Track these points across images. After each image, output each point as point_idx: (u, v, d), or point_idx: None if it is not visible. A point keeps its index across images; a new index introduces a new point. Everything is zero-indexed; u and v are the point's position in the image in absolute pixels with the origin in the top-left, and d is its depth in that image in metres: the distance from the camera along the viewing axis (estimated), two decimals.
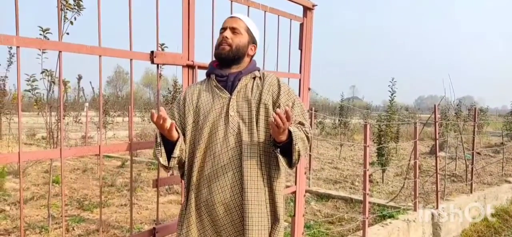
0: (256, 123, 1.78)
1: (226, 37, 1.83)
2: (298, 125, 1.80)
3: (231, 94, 1.82)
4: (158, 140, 1.73)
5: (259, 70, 1.94)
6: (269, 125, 1.74)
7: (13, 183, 6.24)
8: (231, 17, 1.93)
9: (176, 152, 1.72)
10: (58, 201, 5.23)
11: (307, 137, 1.79)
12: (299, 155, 1.71)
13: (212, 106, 1.81)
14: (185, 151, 1.83)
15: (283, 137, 1.65)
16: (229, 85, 1.84)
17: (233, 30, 1.86)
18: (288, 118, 1.56)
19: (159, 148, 1.73)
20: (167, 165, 1.76)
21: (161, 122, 1.61)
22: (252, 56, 1.94)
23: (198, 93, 1.87)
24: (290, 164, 1.74)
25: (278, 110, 1.57)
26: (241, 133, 1.75)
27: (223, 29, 1.88)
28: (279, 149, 1.71)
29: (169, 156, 1.75)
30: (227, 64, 1.87)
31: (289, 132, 1.65)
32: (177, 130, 1.74)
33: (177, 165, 1.88)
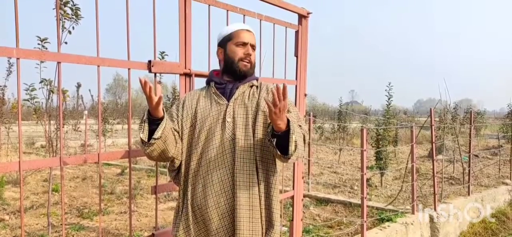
0: (254, 130, 1.81)
1: (250, 54, 1.88)
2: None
3: (228, 101, 1.85)
4: (144, 118, 1.69)
5: (257, 79, 1.98)
6: (266, 130, 1.77)
7: (12, 192, 6.25)
8: (249, 31, 1.93)
9: (158, 134, 1.66)
10: (57, 209, 5.25)
11: (304, 138, 1.81)
12: (296, 146, 1.64)
13: (209, 112, 1.85)
14: (182, 153, 1.86)
15: (282, 125, 1.61)
16: (227, 92, 1.88)
17: (253, 47, 1.91)
18: (284, 95, 1.55)
19: (142, 125, 1.69)
20: (146, 141, 1.69)
21: (149, 91, 1.58)
22: None
23: (198, 99, 1.91)
24: (286, 154, 1.65)
25: (274, 88, 1.56)
26: (236, 139, 1.79)
27: (243, 43, 1.88)
28: (275, 139, 1.65)
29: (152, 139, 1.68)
30: (235, 76, 1.89)
31: (288, 121, 1.63)
32: (163, 111, 1.70)
33: (173, 170, 1.91)
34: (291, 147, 1.64)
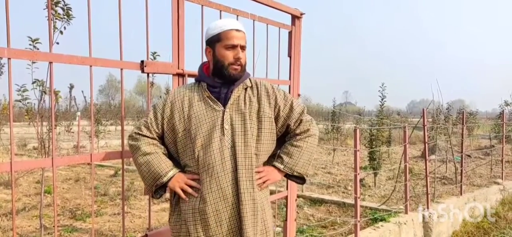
0: (259, 136, 1.83)
1: (241, 58, 1.80)
2: (295, 136, 1.93)
3: (224, 106, 1.82)
4: (153, 188, 1.87)
5: (249, 77, 1.93)
6: (272, 136, 1.90)
7: (4, 194, 6.19)
8: (238, 30, 1.82)
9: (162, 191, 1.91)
10: (50, 211, 5.21)
11: (309, 134, 1.93)
12: (301, 174, 1.94)
13: (205, 118, 1.81)
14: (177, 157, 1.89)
15: (278, 176, 1.94)
16: (222, 97, 1.84)
17: (243, 48, 1.82)
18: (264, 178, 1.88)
19: (152, 188, 1.87)
20: (151, 195, 1.93)
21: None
22: None
23: (189, 101, 1.85)
24: (303, 180, 2.00)
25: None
26: (236, 146, 1.77)
27: (233, 46, 1.79)
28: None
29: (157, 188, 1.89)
30: (226, 80, 1.85)
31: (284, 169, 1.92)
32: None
33: None
34: (300, 176, 1.96)
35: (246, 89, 1.88)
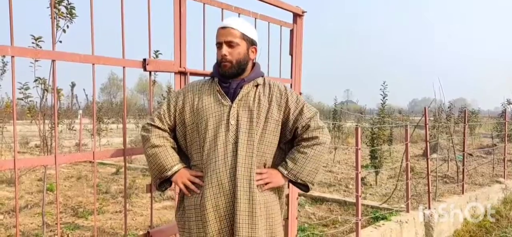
0: (263, 136, 1.81)
1: (225, 55, 1.79)
2: (302, 141, 1.87)
3: (232, 102, 1.82)
4: (157, 180, 1.90)
5: (262, 76, 1.92)
6: (275, 139, 1.88)
7: (7, 191, 6.22)
8: (223, 27, 1.83)
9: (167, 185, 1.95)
10: (52, 209, 5.23)
11: (317, 142, 1.87)
12: (305, 182, 1.91)
13: (212, 112, 1.81)
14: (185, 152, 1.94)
15: (281, 181, 1.89)
16: (231, 93, 1.84)
17: (229, 44, 1.80)
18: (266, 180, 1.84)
19: (157, 180, 1.90)
20: (156, 187, 1.95)
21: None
22: (254, 58, 1.91)
23: (200, 94, 1.87)
24: (307, 188, 1.97)
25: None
26: (239, 143, 1.76)
27: (219, 44, 1.82)
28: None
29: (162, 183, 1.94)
30: (226, 77, 1.86)
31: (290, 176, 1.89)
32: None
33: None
34: (306, 184, 1.92)
35: (257, 86, 1.87)
